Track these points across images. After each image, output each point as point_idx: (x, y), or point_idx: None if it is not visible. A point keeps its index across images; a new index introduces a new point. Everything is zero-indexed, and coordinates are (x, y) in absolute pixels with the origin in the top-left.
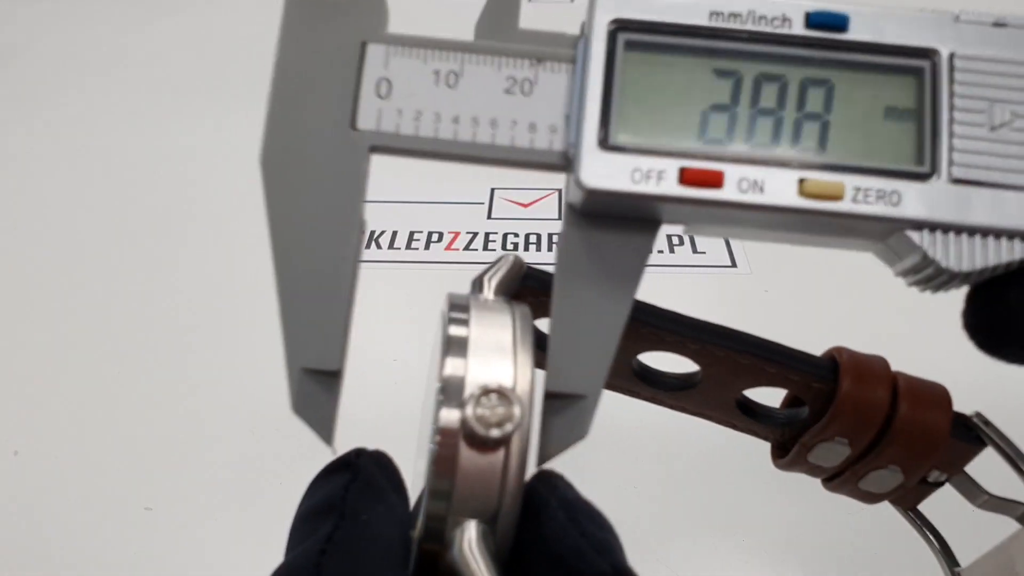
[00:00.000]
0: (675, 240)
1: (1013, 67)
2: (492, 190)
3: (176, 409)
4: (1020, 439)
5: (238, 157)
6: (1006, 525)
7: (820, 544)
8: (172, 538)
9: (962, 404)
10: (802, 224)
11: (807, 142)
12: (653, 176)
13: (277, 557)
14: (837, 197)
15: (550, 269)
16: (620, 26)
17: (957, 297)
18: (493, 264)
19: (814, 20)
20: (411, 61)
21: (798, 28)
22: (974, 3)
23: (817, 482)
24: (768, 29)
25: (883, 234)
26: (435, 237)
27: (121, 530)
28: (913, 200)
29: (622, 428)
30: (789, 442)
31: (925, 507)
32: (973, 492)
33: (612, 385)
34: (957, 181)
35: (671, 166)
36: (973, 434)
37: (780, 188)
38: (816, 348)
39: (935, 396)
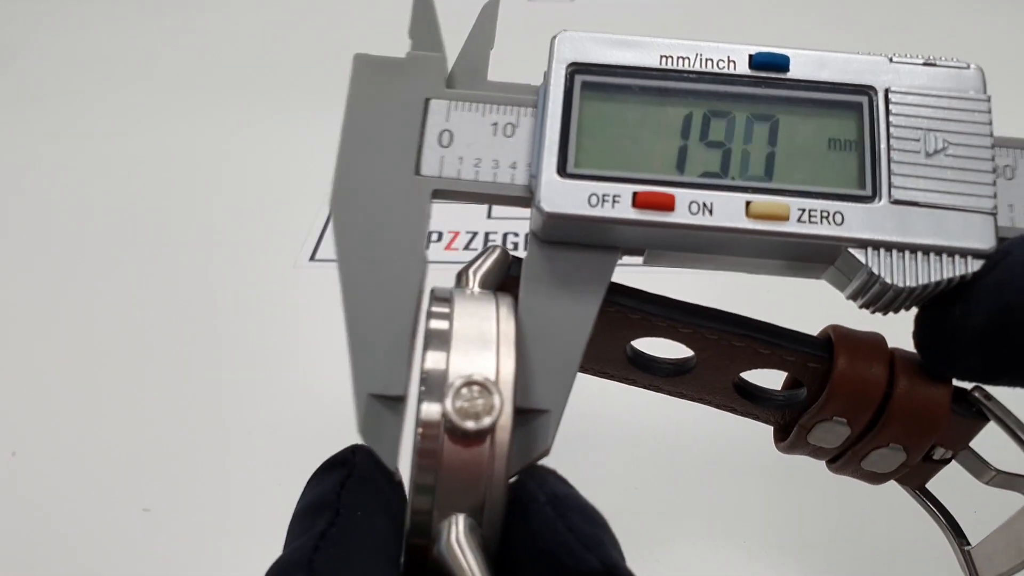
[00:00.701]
0: None
1: (943, 101)
2: None
3: (175, 410)
4: (1022, 412)
5: (243, 156)
6: (1018, 501)
7: (821, 545)
8: (170, 539)
9: None
10: (752, 247)
11: (754, 170)
12: (608, 200)
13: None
14: (783, 218)
15: None
16: (577, 68)
17: None
18: (478, 256)
19: (757, 61)
20: (470, 115)
21: (743, 68)
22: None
23: (817, 481)
24: (715, 70)
25: (830, 254)
26: (435, 237)
27: (119, 531)
28: (856, 220)
29: (622, 428)
30: (789, 424)
31: (933, 485)
32: (980, 469)
33: (608, 373)
34: (897, 202)
35: (625, 191)
36: (975, 409)
37: (728, 211)
38: None
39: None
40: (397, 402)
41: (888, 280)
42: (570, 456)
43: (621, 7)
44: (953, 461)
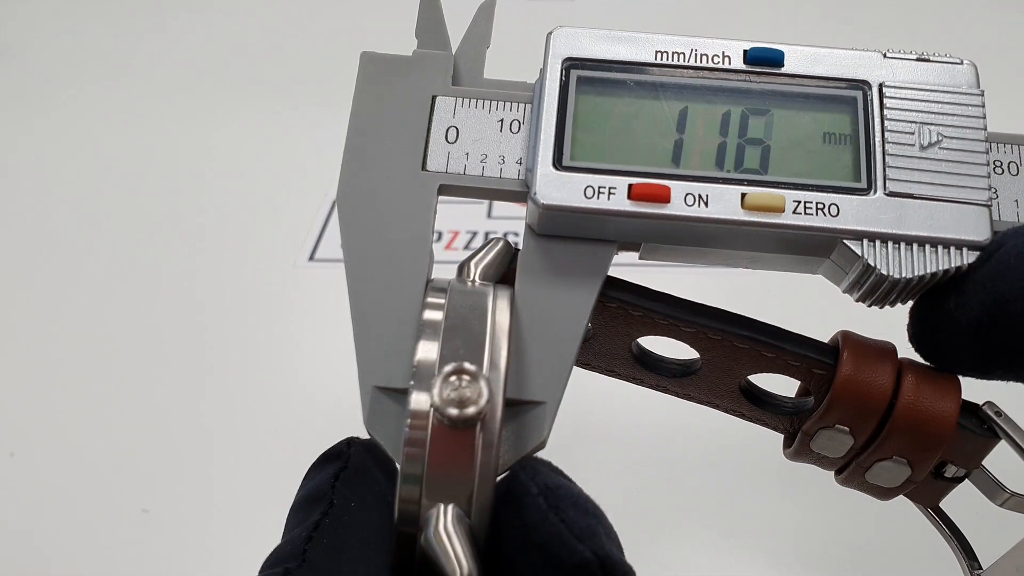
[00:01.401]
0: None
1: (936, 95)
2: None
3: (174, 410)
4: None
5: (243, 156)
6: None
7: (822, 545)
8: (169, 540)
9: (977, 395)
10: (748, 239)
11: (749, 163)
12: (604, 192)
13: None
14: (778, 210)
15: None
16: (573, 64)
17: None
18: (481, 248)
19: (752, 56)
20: (477, 111)
21: (737, 63)
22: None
23: (819, 483)
24: (710, 65)
25: (826, 247)
26: (435, 236)
27: (118, 532)
28: (851, 212)
29: (622, 428)
30: (797, 432)
31: (948, 505)
32: (994, 490)
33: (616, 372)
34: (892, 194)
35: (621, 183)
36: (986, 426)
37: (724, 203)
38: None
39: (942, 383)
40: (403, 395)
41: (884, 272)
42: (570, 456)
43: (621, 7)
44: (967, 481)
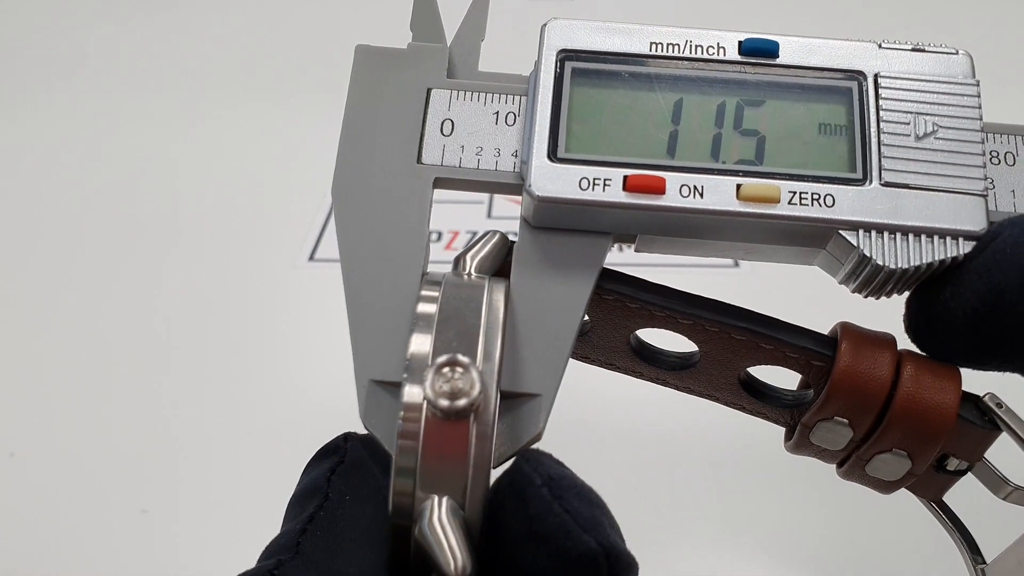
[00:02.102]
0: None
1: (932, 85)
2: None
3: (173, 411)
4: None
5: (243, 155)
6: None
7: (825, 540)
8: (168, 541)
9: (978, 386)
10: (743, 230)
11: (745, 154)
12: (599, 184)
13: None
14: (773, 200)
15: None
16: (567, 55)
17: None
18: (477, 241)
19: (747, 47)
20: (472, 104)
21: (732, 54)
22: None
23: (821, 480)
24: (705, 56)
25: (821, 237)
26: (435, 236)
27: (117, 532)
28: (847, 203)
29: (623, 428)
30: (796, 424)
31: (951, 498)
32: (997, 483)
33: (615, 365)
34: (888, 185)
35: (616, 175)
36: (987, 418)
37: (719, 194)
38: None
39: (941, 374)
40: (398, 388)
41: (880, 262)
42: (571, 455)
43: (619, 7)
44: (970, 474)
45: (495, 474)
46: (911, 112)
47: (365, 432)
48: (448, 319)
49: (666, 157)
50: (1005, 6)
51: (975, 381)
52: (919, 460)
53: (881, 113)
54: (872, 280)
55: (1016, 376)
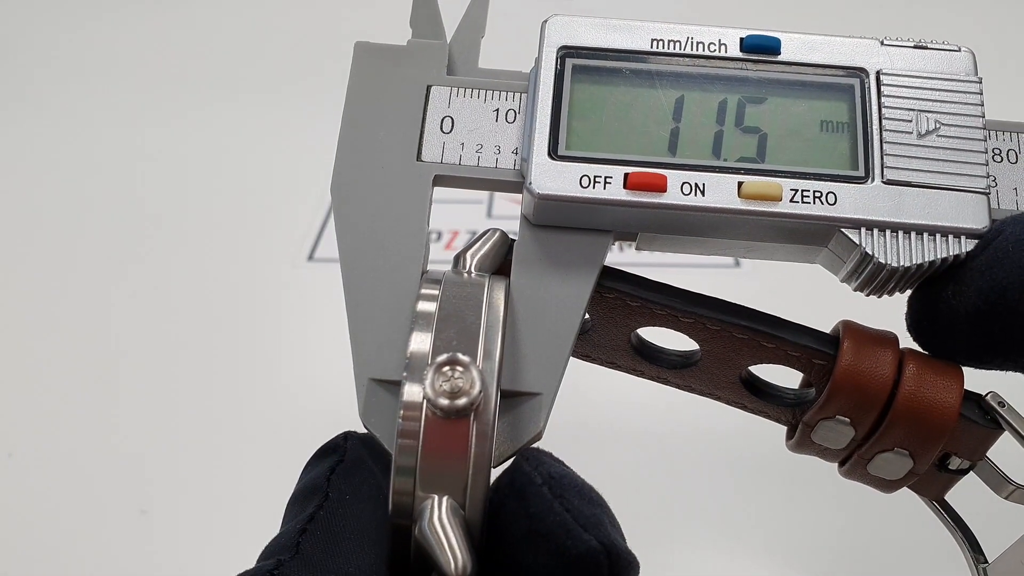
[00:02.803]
0: None
1: (934, 83)
2: None
3: (172, 411)
4: None
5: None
6: None
7: (827, 539)
8: (167, 541)
9: (980, 386)
10: (745, 228)
11: (746, 152)
12: (600, 182)
13: None
14: (775, 198)
15: None
16: (568, 52)
17: None
18: (477, 239)
19: (748, 44)
20: (472, 101)
21: (734, 51)
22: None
23: (823, 480)
24: (706, 53)
25: (823, 236)
26: (434, 236)
27: (116, 533)
28: (849, 200)
29: (624, 427)
30: (798, 423)
31: (953, 497)
32: (999, 482)
33: (616, 364)
34: (890, 183)
35: (617, 172)
36: (989, 417)
37: (721, 191)
38: None
39: (944, 373)
40: (398, 386)
41: (882, 260)
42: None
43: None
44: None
45: (495, 473)
46: (913, 109)
47: (364, 431)
48: (448, 317)
49: (667, 155)
50: (1007, 3)
51: (977, 380)
52: (921, 459)
53: (883, 110)
54: (874, 278)
55: (1018, 375)
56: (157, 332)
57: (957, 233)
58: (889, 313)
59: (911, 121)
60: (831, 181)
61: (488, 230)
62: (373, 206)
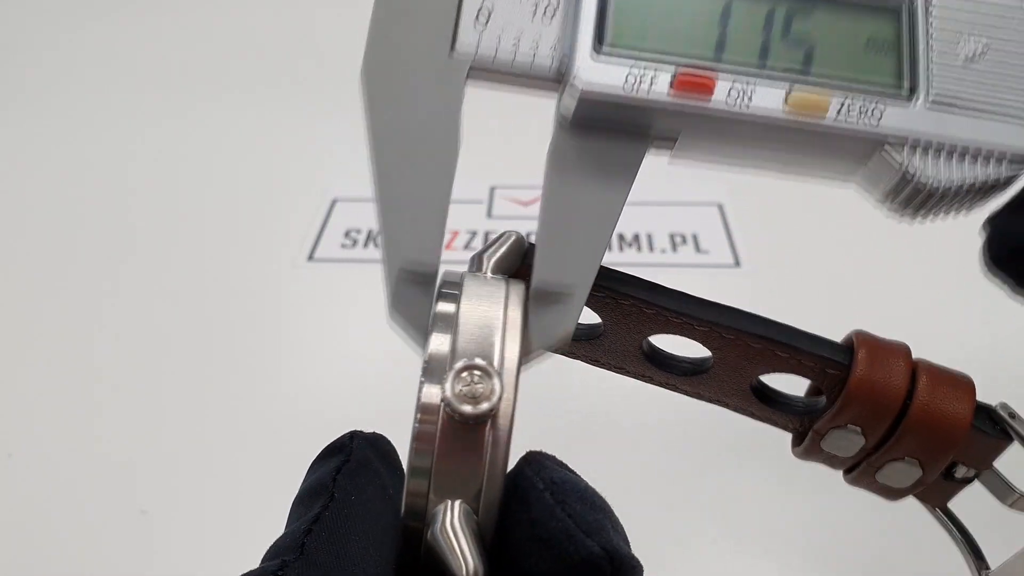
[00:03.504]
0: (678, 239)
1: (984, 5)
2: (492, 188)
3: (172, 411)
4: None
5: (241, 155)
6: None
7: (828, 546)
8: (167, 542)
9: (991, 396)
10: (787, 140)
11: (793, 62)
12: (646, 81)
13: None
14: (822, 110)
15: None
16: None
17: (972, 293)
18: (494, 241)
19: None
20: None
21: None
22: None
23: (825, 484)
24: None
25: (865, 152)
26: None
27: (116, 534)
28: (894, 118)
29: (628, 429)
30: (807, 431)
31: (955, 505)
32: (1003, 490)
33: (624, 370)
34: (936, 103)
35: (664, 72)
36: (999, 427)
37: (768, 100)
38: None
39: (956, 384)
40: (427, 284)
41: (921, 179)
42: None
43: None
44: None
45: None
46: (962, 32)
47: (370, 431)
48: (467, 321)
49: (714, 57)
50: None
51: (986, 392)
52: (930, 469)
53: (931, 31)
54: (912, 199)
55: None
56: (157, 332)
57: (1000, 157)
58: (890, 316)
59: (959, 43)
60: (877, 97)
61: (505, 232)
62: (405, 94)
